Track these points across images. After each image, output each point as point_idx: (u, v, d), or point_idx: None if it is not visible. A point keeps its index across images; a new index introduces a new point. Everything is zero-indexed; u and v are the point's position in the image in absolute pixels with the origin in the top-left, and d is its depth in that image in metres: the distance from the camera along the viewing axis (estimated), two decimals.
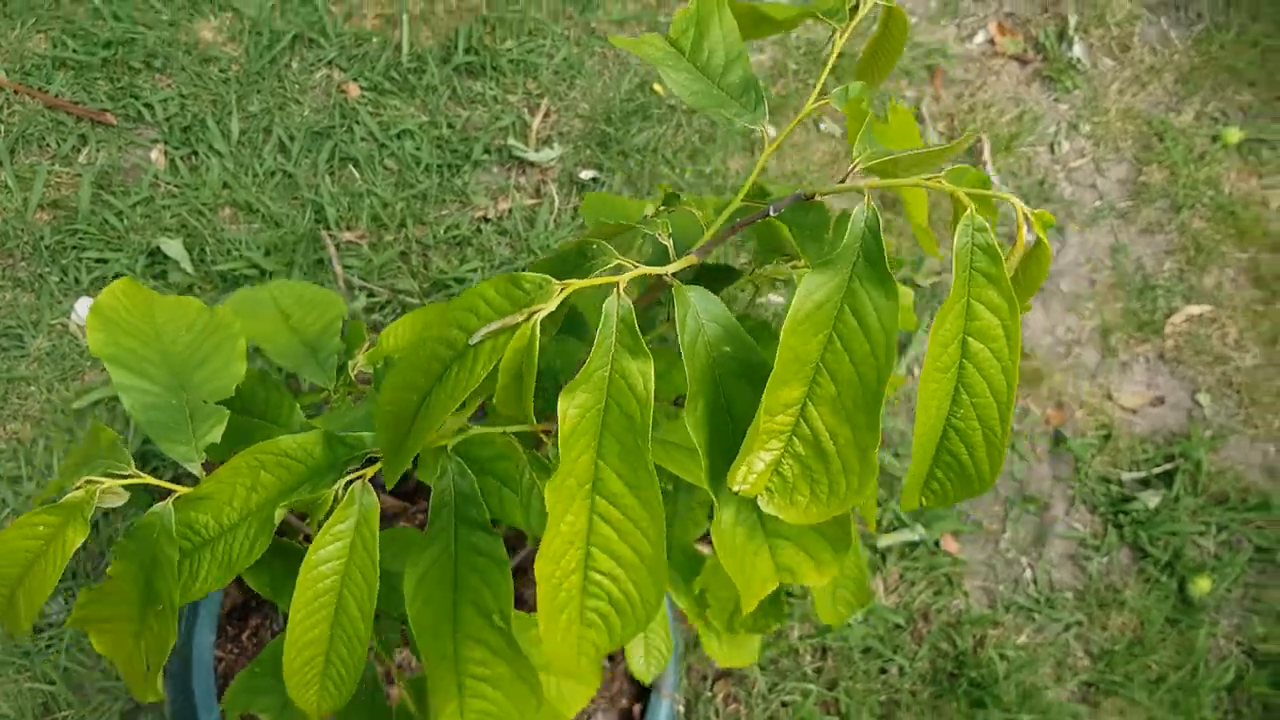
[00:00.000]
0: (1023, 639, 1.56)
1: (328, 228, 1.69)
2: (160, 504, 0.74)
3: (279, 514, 0.73)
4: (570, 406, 0.55)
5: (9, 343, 1.57)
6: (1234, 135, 1.93)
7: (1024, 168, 1.91)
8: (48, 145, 1.72)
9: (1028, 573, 1.62)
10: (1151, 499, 1.65)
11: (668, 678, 1.36)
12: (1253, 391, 1.75)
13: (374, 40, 1.87)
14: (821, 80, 0.67)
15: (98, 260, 1.62)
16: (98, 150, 1.72)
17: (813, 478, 0.57)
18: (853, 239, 0.54)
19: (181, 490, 0.77)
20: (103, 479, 0.74)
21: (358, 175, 1.75)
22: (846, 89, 0.63)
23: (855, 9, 0.69)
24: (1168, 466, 1.69)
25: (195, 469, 0.80)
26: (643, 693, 1.40)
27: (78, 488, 0.74)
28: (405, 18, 1.88)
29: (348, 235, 1.69)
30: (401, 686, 0.89)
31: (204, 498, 0.75)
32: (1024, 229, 0.54)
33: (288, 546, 0.82)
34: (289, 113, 1.78)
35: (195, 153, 1.74)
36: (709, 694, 1.48)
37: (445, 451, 0.72)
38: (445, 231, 1.71)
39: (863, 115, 0.61)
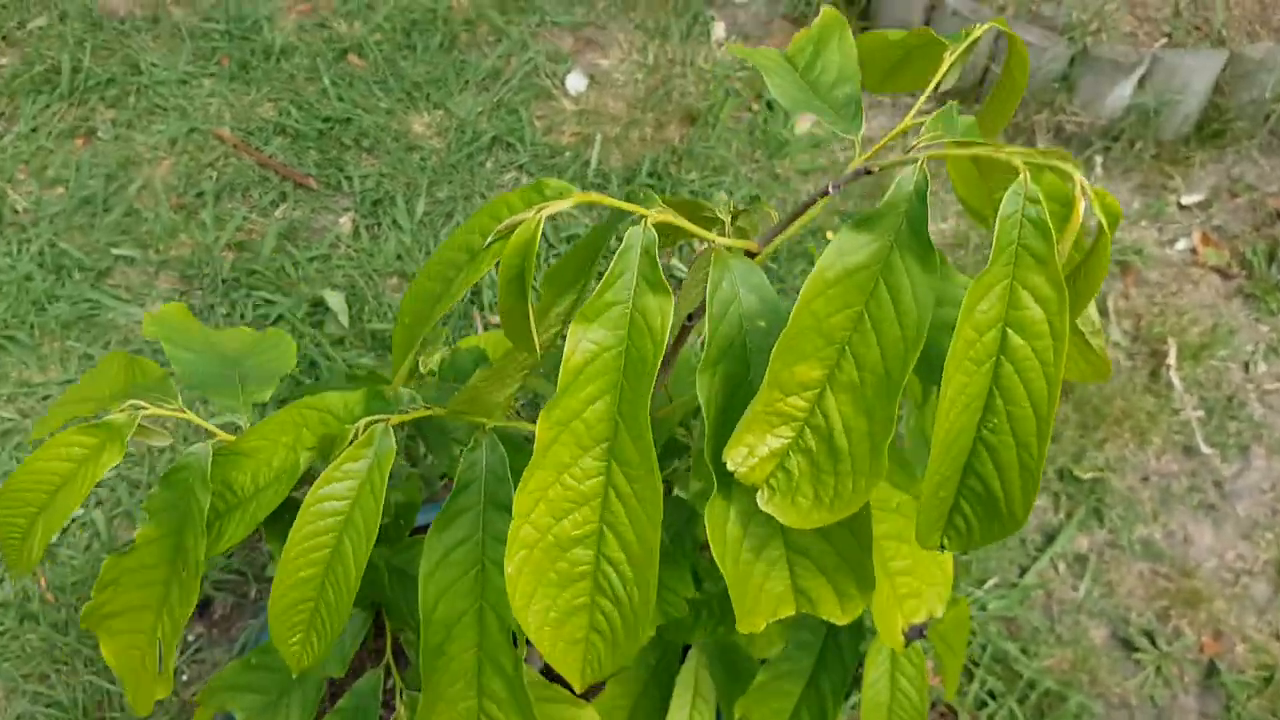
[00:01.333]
0: None
1: (481, 309, 1.72)
2: (199, 445, 0.73)
3: (305, 459, 0.71)
4: (584, 339, 0.50)
5: (167, 361, 1.64)
6: None
7: (1212, 380, 1.78)
8: (250, 195, 1.84)
9: None
10: None
11: None
12: None
13: (566, 154, 1.94)
14: (922, 99, 0.63)
15: (265, 300, 1.70)
16: (294, 208, 1.83)
17: (819, 478, 0.50)
18: (898, 199, 0.48)
19: (224, 435, 0.76)
20: (148, 405, 0.74)
21: None
22: (949, 108, 0.59)
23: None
24: None
25: (242, 420, 0.80)
26: None
27: (122, 410, 0.74)
28: (599, 138, 1.95)
29: (495, 319, 1.72)
30: (404, 704, 0.83)
31: (245, 454, 0.74)
32: (1079, 202, 0.46)
33: (299, 501, 0.80)
34: (473, 204, 1.86)
35: (379, 224, 1.83)
36: None
37: (483, 428, 0.69)
38: None
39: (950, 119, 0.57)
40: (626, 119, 1.99)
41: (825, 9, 0.69)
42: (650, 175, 1.90)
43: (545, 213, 0.49)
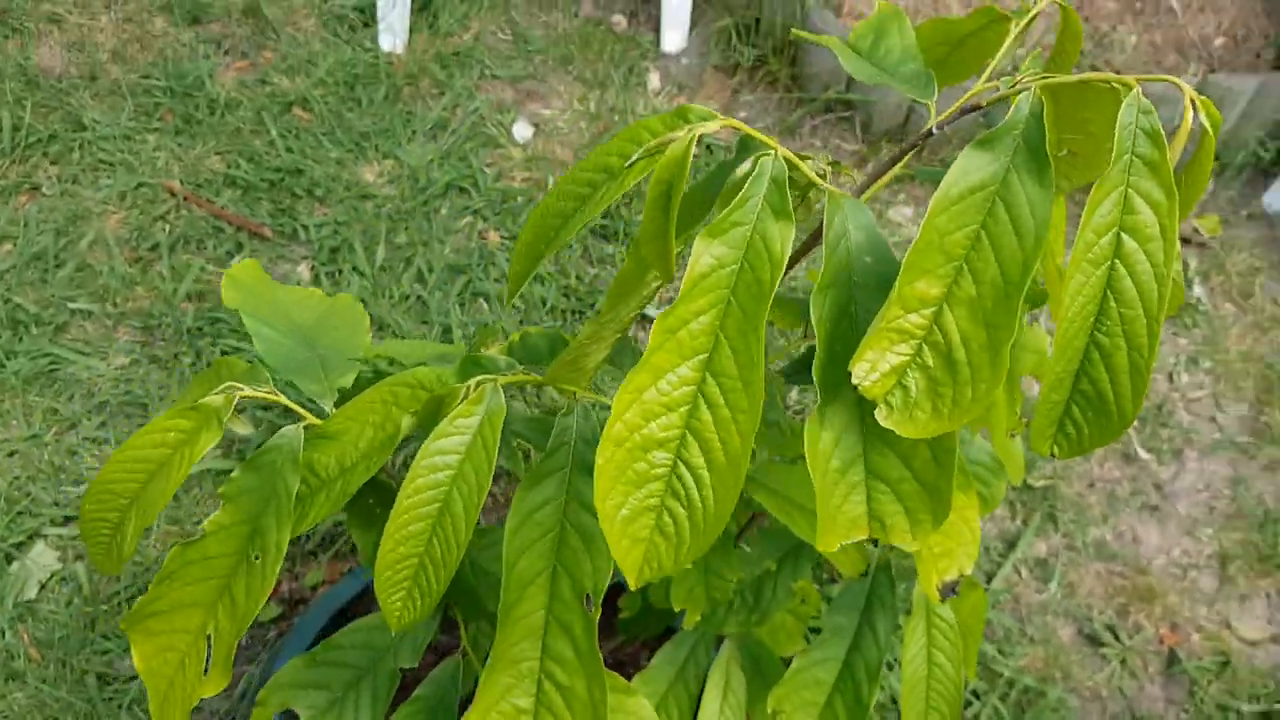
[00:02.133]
0: None
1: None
2: (290, 427, 0.74)
3: (406, 423, 0.72)
4: (706, 253, 0.53)
5: (134, 410, 1.61)
6: None
7: None
8: (205, 247, 1.83)
9: None
10: None
11: None
12: None
13: (519, 198, 1.98)
14: (994, 63, 0.70)
15: (233, 348, 1.68)
16: (250, 258, 1.82)
17: (937, 391, 0.53)
18: (1015, 122, 0.52)
19: (313, 419, 0.76)
20: (243, 386, 0.75)
21: (486, 307, 1.81)
22: (1036, 52, 0.65)
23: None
24: None
25: (328, 405, 0.81)
26: None
27: (217, 393, 0.74)
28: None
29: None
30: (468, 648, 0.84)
31: (331, 437, 0.75)
32: (1189, 110, 0.52)
33: (384, 483, 0.80)
34: (431, 249, 1.88)
35: (340, 270, 1.83)
36: None
37: (574, 395, 0.71)
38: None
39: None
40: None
41: (881, 4, 0.76)
42: (604, 216, 1.96)
43: (697, 132, 0.53)
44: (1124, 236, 0.51)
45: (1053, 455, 0.58)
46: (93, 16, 2.17)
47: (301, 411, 0.76)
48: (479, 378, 0.68)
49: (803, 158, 0.66)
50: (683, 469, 0.55)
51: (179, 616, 0.73)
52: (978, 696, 1.53)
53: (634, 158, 0.56)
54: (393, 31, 2.18)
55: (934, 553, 0.92)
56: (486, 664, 0.66)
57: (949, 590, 0.93)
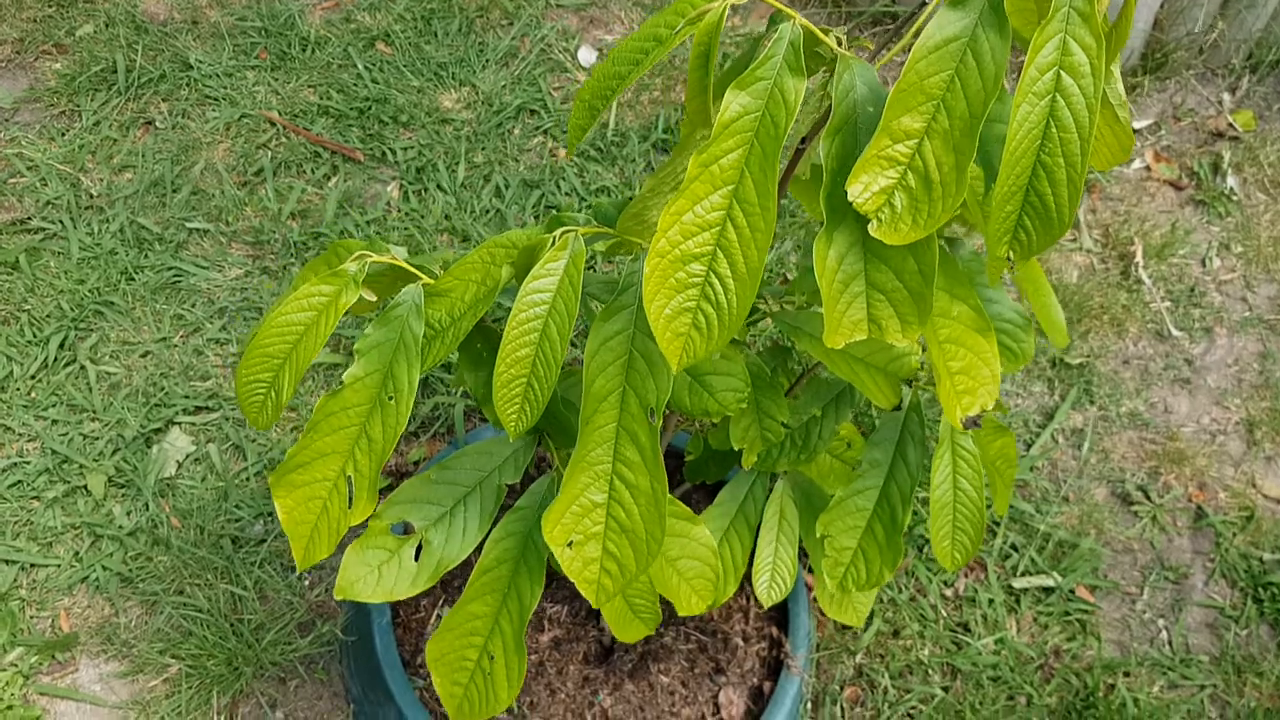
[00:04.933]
0: (1155, 690, 1.57)
1: None
2: (410, 286, 0.90)
3: (505, 273, 0.89)
4: (734, 101, 0.67)
5: (251, 315, 1.81)
6: None
7: (1175, 274, 2.02)
8: (304, 170, 2.02)
9: (1164, 634, 1.63)
10: None
11: (798, 656, 1.43)
12: None
13: None
14: None
15: None
16: (345, 180, 2.01)
17: (917, 208, 0.67)
18: None
19: (427, 280, 0.93)
20: (371, 253, 0.92)
21: None
22: None
23: None
24: None
25: (436, 267, 0.97)
26: (773, 672, 1.46)
27: (353, 259, 0.91)
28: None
29: None
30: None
31: (441, 294, 0.91)
32: None
33: (490, 330, 0.97)
34: (507, 167, 2.05)
35: (425, 189, 2.01)
36: (836, 690, 1.53)
37: (640, 245, 0.88)
38: None
39: None
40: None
41: None
42: (665, 132, 2.11)
43: (730, 2, 0.69)
44: (1063, 74, 0.65)
45: (1009, 259, 0.73)
46: None
47: (419, 273, 0.93)
48: (562, 228, 0.84)
49: (825, 31, 0.81)
50: (713, 278, 0.71)
51: (319, 466, 0.88)
52: (1016, 550, 1.69)
53: (680, 26, 0.71)
54: None
55: (957, 389, 1.08)
56: (568, 468, 0.81)
57: (972, 423, 1.08)
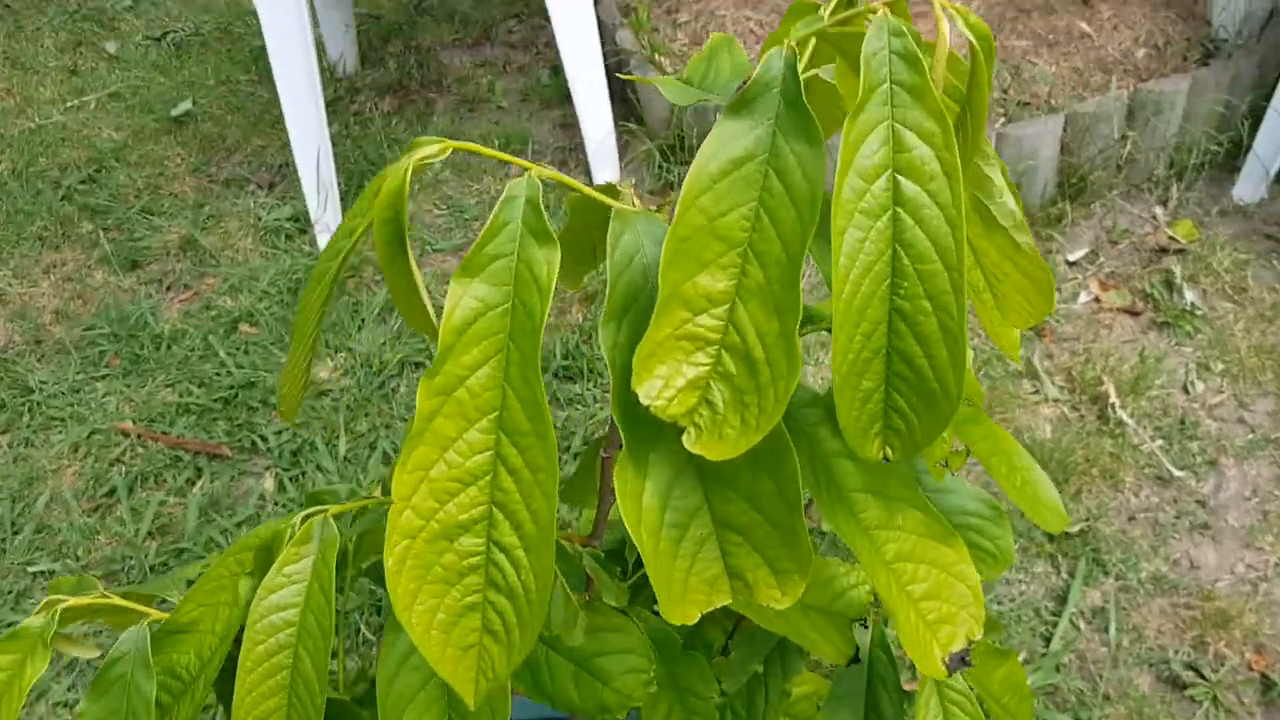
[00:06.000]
0: None
1: None
2: (131, 629, 0.65)
3: (244, 588, 0.63)
4: (467, 295, 0.45)
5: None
6: None
7: (1159, 408, 1.78)
8: (164, 480, 1.77)
9: None
10: None
11: None
12: None
13: None
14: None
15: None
16: (212, 481, 1.76)
17: (743, 400, 0.45)
18: (769, 78, 0.44)
19: (157, 614, 0.67)
20: (65, 598, 0.66)
21: None
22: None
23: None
24: None
25: (172, 594, 0.71)
26: None
27: (36, 613, 0.66)
28: None
29: None
30: None
31: (184, 629, 0.66)
32: (942, 22, 0.43)
33: None
34: (394, 429, 1.81)
35: (304, 473, 1.76)
36: None
37: None
38: None
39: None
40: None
41: (714, 35, 0.70)
42: (565, 358, 1.89)
43: (414, 160, 0.46)
44: (900, 179, 0.43)
45: (886, 459, 0.48)
46: (33, 284, 2.18)
47: (141, 609, 0.67)
48: (304, 513, 0.59)
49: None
50: (497, 553, 0.46)
51: None
52: None
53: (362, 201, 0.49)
54: (329, 230, 2.18)
55: (928, 620, 0.81)
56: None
57: (960, 662, 0.81)
